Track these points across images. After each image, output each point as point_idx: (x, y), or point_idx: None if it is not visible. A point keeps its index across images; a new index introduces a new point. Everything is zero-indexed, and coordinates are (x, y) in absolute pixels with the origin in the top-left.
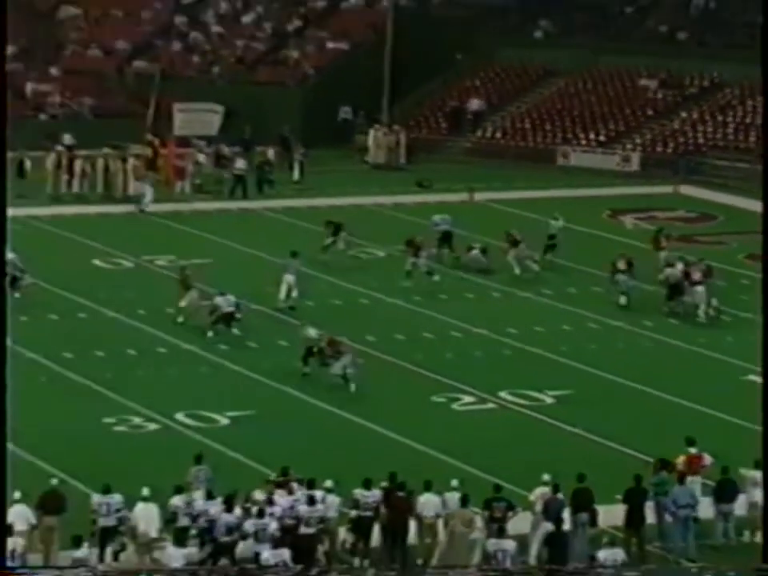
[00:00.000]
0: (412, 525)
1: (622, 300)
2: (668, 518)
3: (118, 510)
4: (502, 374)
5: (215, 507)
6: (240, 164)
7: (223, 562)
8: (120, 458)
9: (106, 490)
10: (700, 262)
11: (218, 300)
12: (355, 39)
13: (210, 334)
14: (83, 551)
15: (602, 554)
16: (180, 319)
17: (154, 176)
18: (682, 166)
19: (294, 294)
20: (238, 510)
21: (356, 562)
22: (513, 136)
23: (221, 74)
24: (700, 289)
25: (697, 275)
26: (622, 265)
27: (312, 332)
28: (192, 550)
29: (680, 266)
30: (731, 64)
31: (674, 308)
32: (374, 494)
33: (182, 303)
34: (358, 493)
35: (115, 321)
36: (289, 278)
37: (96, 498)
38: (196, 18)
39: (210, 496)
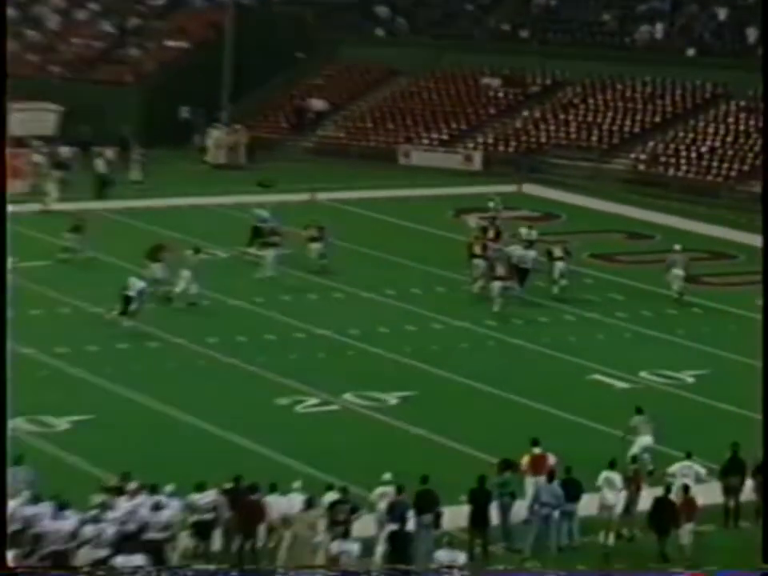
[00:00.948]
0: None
1: (475, 287)
2: (513, 517)
3: None
4: (345, 375)
5: (46, 511)
6: (100, 165)
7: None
8: None
9: None
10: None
11: (130, 280)
12: (195, 37)
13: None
14: None
15: (440, 555)
16: None
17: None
18: (525, 165)
19: (194, 290)
20: (72, 515)
21: (196, 565)
22: (355, 135)
23: (58, 73)
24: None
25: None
26: (478, 250)
27: None
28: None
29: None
30: (573, 62)
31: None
32: (209, 495)
33: None
34: (193, 497)
35: None
36: (185, 273)
37: None
38: (31, 15)
39: (37, 499)
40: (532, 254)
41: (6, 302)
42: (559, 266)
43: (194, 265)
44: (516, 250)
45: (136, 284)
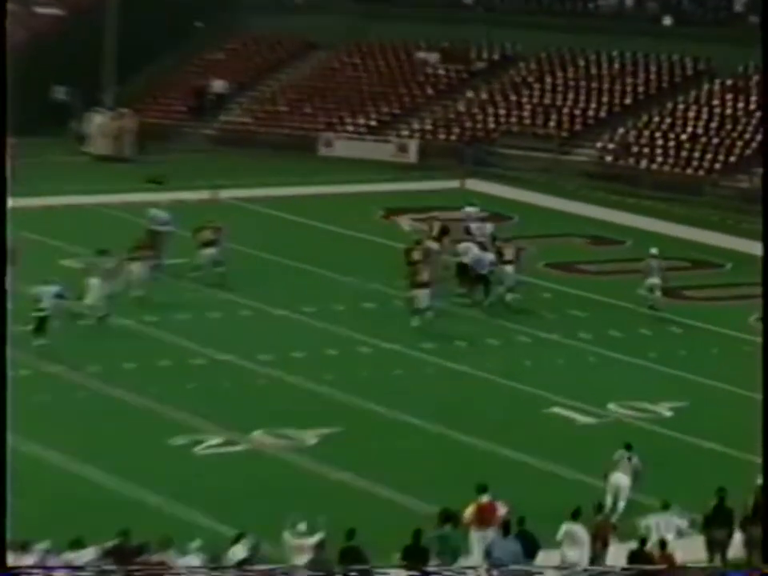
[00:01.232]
0: None
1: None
2: None
3: None
4: (255, 409)
5: None
6: None
7: None
8: None
9: None
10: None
11: (39, 290)
12: (72, 3)
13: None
14: None
15: None
16: None
17: None
18: (469, 156)
19: (89, 301)
20: None
21: None
22: (265, 121)
23: None
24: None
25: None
26: (417, 255)
27: None
28: None
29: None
30: (526, 33)
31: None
32: (88, 554)
33: None
34: (68, 556)
35: None
36: (93, 282)
37: None
38: None
39: None
40: (490, 256)
41: (7, 304)
42: (508, 271)
43: (101, 272)
44: (470, 251)
45: (47, 292)
